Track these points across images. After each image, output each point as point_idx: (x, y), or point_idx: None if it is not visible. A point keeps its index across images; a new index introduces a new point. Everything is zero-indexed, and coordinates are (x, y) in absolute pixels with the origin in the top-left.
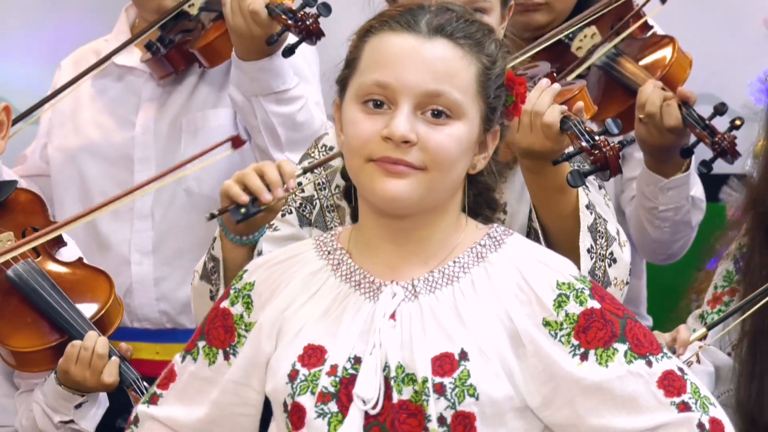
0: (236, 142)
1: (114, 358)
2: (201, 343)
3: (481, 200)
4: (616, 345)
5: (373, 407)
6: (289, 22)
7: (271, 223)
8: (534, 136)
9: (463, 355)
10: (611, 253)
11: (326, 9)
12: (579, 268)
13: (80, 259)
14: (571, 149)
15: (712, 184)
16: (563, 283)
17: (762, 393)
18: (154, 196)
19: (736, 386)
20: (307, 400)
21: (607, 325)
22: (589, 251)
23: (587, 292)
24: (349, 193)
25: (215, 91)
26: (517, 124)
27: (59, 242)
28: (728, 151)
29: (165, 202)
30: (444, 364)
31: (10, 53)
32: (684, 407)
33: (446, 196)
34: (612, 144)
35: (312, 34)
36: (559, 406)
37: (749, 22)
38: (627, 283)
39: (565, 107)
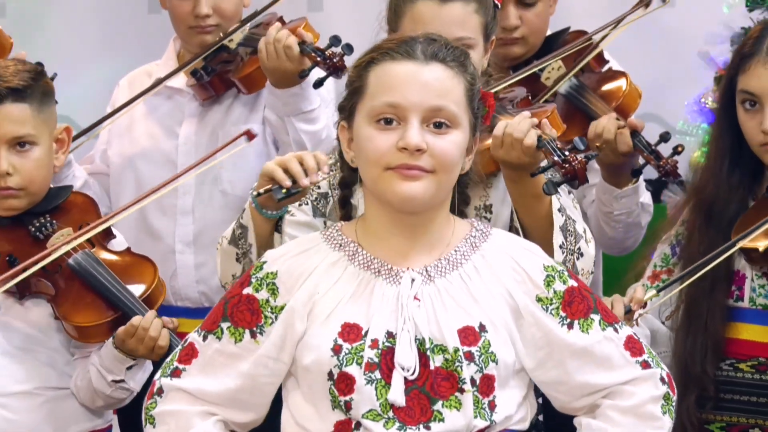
0: (249, 136)
1: (165, 331)
2: (225, 324)
3: (459, 197)
4: (592, 315)
5: (412, 374)
6: (318, 59)
7: (290, 210)
8: (515, 153)
9: (482, 328)
10: (579, 248)
11: (349, 49)
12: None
13: (128, 249)
14: (545, 163)
15: (655, 188)
16: (548, 266)
17: (694, 348)
18: (195, 195)
19: (674, 343)
20: (355, 370)
21: (584, 300)
22: (561, 247)
23: (566, 273)
24: (344, 201)
25: (247, 108)
26: (500, 144)
27: (110, 235)
28: (671, 173)
29: (204, 201)
30: (468, 335)
31: (76, 79)
32: (646, 365)
33: (447, 193)
34: (579, 158)
35: (338, 70)
36: (551, 366)
37: (688, 52)
38: (592, 272)
39: (539, 130)
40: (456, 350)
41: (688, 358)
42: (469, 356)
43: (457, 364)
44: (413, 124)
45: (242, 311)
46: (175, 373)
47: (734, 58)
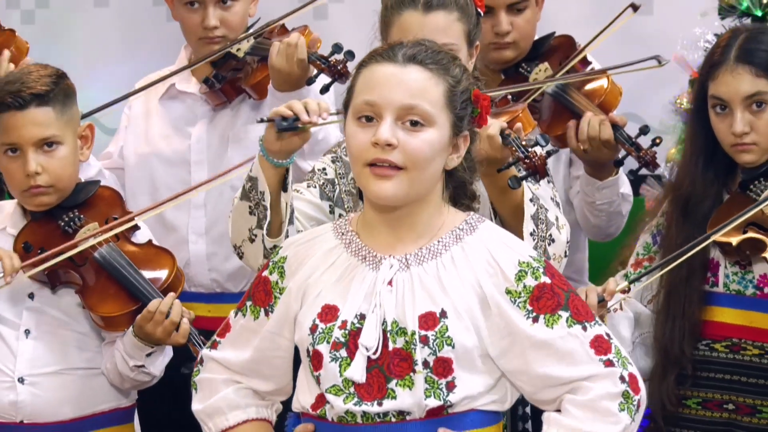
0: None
1: (185, 320)
2: (249, 303)
3: (460, 192)
4: (560, 312)
5: (374, 353)
6: (323, 67)
7: (299, 189)
8: (485, 149)
9: (443, 314)
10: (550, 235)
11: (351, 55)
12: None
13: (150, 241)
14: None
15: (634, 182)
16: (523, 262)
17: (673, 331)
18: (207, 192)
19: (654, 326)
20: (323, 348)
21: (555, 297)
22: (531, 234)
23: (541, 270)
24: (360, 191)
25: (254, 111)
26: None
27: (134, 227)
28: (650, 163)
29: (215, 195)
30: (428, 320)
31: (96, 81)
32: (609, 363)
33: (426, 189)
34: (540, 154)
35: (342, 76)
36: (513, 356)
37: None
38: (565, 256)
39: (506, 125)
40: (413, 333)
41: (668, 340)
42: (425, 340)
43: (413, 346)
44: (386, 121)
45: (260, 291)
46: (213, 345)
47: (704, 66)
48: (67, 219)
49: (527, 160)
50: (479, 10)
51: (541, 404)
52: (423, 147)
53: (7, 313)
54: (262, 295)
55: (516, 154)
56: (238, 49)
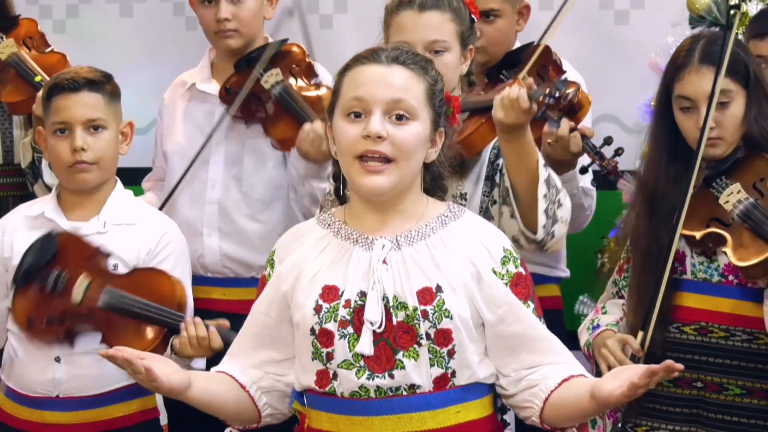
0: None
1: (212, 328)
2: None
3: (435, 185)
4: (529, 302)
5: (379, 327)
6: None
7: None
8: (514, 114)
9: (439, 288)
10: (559, 200)
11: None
12: (537, 209)
13: (134, 268)
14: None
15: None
16: (507, 249)
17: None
18: (221, 190)
19: (626, 309)
20: (332, 326)
21: (527, 288)
22: (544, 197)
23: (519, 261)
24: (337, 191)
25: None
26: (500, 107)
27: (112, 266)
28: (612, 173)
29: (228, 195)
30: (425, 295)
31: (124, 86)
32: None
33: (410, 179)
34: (567, 93)
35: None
36: (511, 322)
37: (640, 62)
38: (568, 220)
39: (525, 84)
40: (414, 309)
41: (639, 325)
42: (425, 314)
43: (415, 321)
44: (376, 115)
45: (260, 289)
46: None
47: (668, 69)
48: (52, 281)
49: (559, 100)
50: (473, 16)
51: (499, 376)
52: (410, 138)
53: None
54: (260, 290)
55: (544, 101)
56: (266, 81)
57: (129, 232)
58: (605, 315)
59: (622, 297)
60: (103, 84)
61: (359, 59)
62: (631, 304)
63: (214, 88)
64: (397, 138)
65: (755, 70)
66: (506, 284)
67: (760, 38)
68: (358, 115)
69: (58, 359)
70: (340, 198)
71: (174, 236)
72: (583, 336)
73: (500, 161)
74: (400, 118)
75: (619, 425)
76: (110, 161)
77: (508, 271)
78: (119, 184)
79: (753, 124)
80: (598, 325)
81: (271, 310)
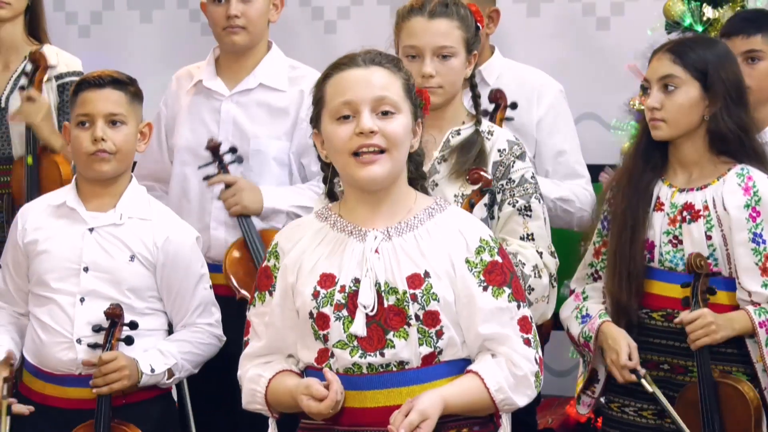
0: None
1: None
2: (256, 293)
3: (416, 174)
4: (504, 288)
5: (372, 310)
6: None
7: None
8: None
9: (426, 274)
10: (530, 286)
11: None
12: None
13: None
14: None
15: (593, 170)
16: (483, 240)
17: (620, 283)
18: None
19: (605, 281)
20: (328, 310)
21: (502, 274)
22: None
23: (496, 250)
24: (330, 192)
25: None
26: None
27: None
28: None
29: None
30: (414, 280)
31: (144, 87)
32: (527, 342)
33: (401, 168)
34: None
35: None
36: (467, 313)
37: (620, 66)
38: (553, 287)
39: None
40: (404, 292)
41: (617, 291)
42: (414, 297)
43: (405, 303)
44: (365, 113)
45: (262, 279)
46: (245, 345)
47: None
48: None
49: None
50: (479, 24)
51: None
52: (398, 129)
53: (65, 284)
54: (264, 280)
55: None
56: None
57: (143, 227)
58: (589, 301)
59: (597, 279)
60: (127, 85)
61: (338, 66)
62: (609, 273)
63: (219, 85)
64: (387, 130)
65: (727, 75)
66: (479, 272)
67: (727, 37)
68: (346, 117)
69: (79, 341)
70: (331, 197)
71: (181, 238)
72: (573, 325)
73: (503, 182)
74: (386, 113)
75: (602, 399)
76: (127, 155)
77: (482, 260)
78: (134, 180)
79: (719, 120)
80: (588, 315)
81: (286, 301)
